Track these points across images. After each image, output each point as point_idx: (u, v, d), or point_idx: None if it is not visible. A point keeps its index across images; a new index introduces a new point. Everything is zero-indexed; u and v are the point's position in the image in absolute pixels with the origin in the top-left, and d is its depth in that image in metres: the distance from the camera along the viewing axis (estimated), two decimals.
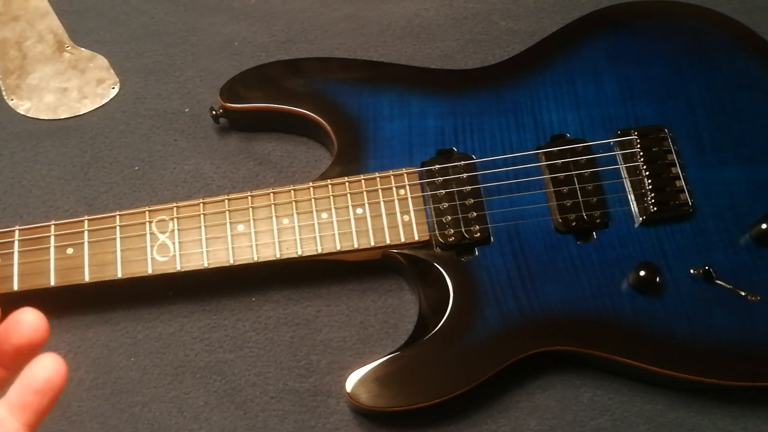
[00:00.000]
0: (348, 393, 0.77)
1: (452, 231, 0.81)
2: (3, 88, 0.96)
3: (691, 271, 0.81)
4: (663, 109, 0.88)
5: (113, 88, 0.97)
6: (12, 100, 0.96)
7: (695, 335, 0.79)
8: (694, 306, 0.80)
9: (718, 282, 0.80)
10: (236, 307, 0.86)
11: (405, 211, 0.81)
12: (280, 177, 0.92)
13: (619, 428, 0.82)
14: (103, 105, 0.96)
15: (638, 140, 0.85)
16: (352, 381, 0.77)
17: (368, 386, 0.77)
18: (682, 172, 0.84)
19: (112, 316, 0.86)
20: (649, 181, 0.83)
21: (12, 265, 0.78)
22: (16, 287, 0.78)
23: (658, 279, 0.79)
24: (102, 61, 0.98)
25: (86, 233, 0.79)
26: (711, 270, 0.80)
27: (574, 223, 0.82)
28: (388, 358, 0.78)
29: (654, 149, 0.84)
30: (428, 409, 0.77)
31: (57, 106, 0.95)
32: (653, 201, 0.82)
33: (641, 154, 0.84)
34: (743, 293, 0.79)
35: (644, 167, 0.84)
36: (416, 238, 0.80)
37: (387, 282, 0.88)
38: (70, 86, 0.96)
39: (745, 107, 0.88)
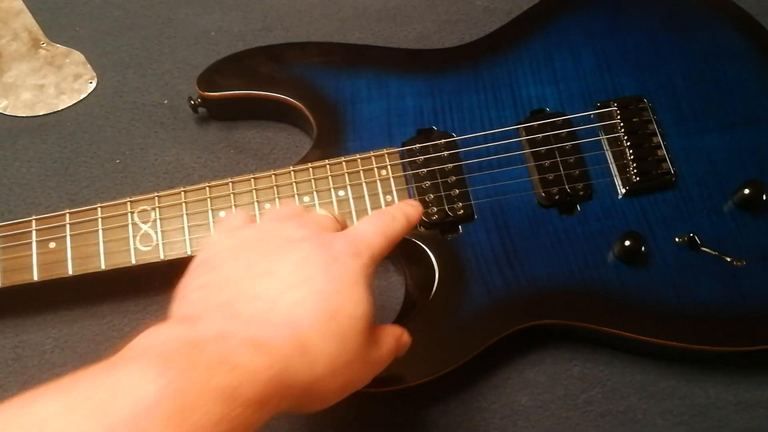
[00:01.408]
0: None
1: (435, 209, 0.81)
2: None
3: (676, 239, 0.80)
4: (642, 79, 0.88)
5: (91, 82, 0.96)
6: None
7: (683, 303, 0.79)
8: (680, 274, 0.80)
9: (704, 249, 0.80)
10: None
11: (387, 192, 0.81)
12: (261, 164, 0.92)
13: (611, 400, 0.82)
14: (81, 100, 0.95)
15: (618, 111, 0.85)
16: None
17: None
18: (663, 141, 0.84)
19: (99, 310, 0.85)
20: (631, 151, 0.83)
21: None
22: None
23: (643, 249, 0.79)
24: (78, 56, 0.98)
25: (68, 227, 0.79)
26: (696, 237, 0.80)
27: (557, 197, 0.81)
28: None
29: (634, 120, 0.84)
30: (418, 388, 0.77)
31: (34, 103, 0.95)
32: (635, 171, 0.82)
33: (622, 125, 0.84)
34: (729, 259, 0.79)
35: (625, 138, 0.84)
36: None
37: None
38: (47, 83, 0.96)
39: (723, 74, 0.88)
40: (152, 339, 0.51)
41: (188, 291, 0.58)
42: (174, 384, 0.45)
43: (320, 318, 0.54)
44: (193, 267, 0.61)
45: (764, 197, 0.81)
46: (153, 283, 0.86)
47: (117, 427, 0.43)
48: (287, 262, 0.56)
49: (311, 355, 0.53)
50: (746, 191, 0.81)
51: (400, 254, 0.82)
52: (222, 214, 0.80)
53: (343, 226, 0.66)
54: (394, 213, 0.65)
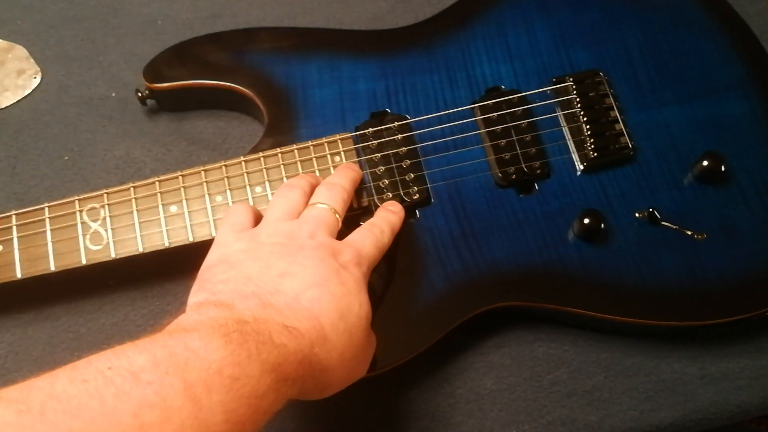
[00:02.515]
0: None
1: (390, 195, 0.79)
2: None
3: (636, 214, 0.80)
4: (598, 53, 0.86)
5: (35, 78, 0.93)
6: None
7: (644, 279, 0.78)
8: (641, 250, 0.79)
9: (664, 223, 0.79)
10: (179, 291, 0.84)
11: None
12: (214, 155, 0.89)
13: (577, 379, 0.81)
14: (26, 96, 0.92)
15: (574, 86, 0.83)
16: None
17: None
18: (620, 116, 0.83)
19: (52, 312, 0.83)
20: (588, 126, 0.82)
21: None
22: None
23: (602, 225, 0.78)
24: (21, 51, 0.95)
25: (15, 228, 0.76)
26: (656, 212, 0.79)
27: (514, 176, 0.80)
28: None
29: (591, 94, 0.83)
30: (381, 377, 0.75)
31: None
32: (593, 147, 0.81)
33: (578, 100, 0.83)
34: (689, 233, 0.79)
35: (582, 113, 0.82)
36: (355, 205, 0.78)
37: None
38: None
39: (680, 46, 0.87)
40: (201, 316, 0.57)
41: (212, 284, 0.64)
42: (235, 354, 0.52)
43: (334, 315, 0.62)
44: (209, 264, 0.68)
45: (723, 168, 0.80)
46: (107, 282, 0.84)
47: (194, 385, 0.49)
48: (302, 266, 0.64)
49: (328, 345, 0.61)
50: (705, 163, 0.80)
51: None
52: (173, 209, 0.77)
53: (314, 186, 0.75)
54: (382, 226, 0.74)
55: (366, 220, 0.79)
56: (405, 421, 0.79)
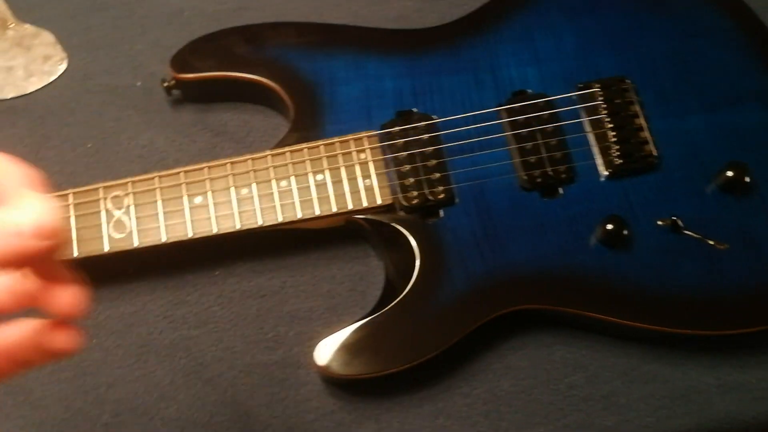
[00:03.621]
0: (318, 362, 0.75)
1: (415, 193, 0.79)
2: None
3: (659, 222, 0.80)
4: (624, 60, 0.86)
5: (61, 64, 0.94)
6: None
7: (665, 287, 0.78)
8: (662, 257, 0.79)
9: (686, 232, 0.79)
10: (199, 282, 0.84)
11: (366, 176, 0.80)
12: (238, 148, 0.90)
13: (593, 384, 0.81)
14: (51, 82, 0.93)
15: (601, 92, 0.83)
16: (321, 350, 0.76)
17: (338, 354, 0.75)
18: (646, 123, 0.83)
19: None
20: (614, 133, 0.82)
21: None
22: None
23: (625, 232, 0.78)
24: (48, 36, 0.95)
25: None
26: (678, 220, 0.79)
27: (538, 180, 0.80)
28: (357, 326, 0.76)
29: (617, 101, 0.83)
30: (400, 374, 0.76)
31: (3, 85, 0.92)
32: (618, 153, 0.81)
33: (604, 106, 0.83)
34: (711, 242, 0.79)
35: (608, 119, 0.82)
36: (379, 202, 0.79)
37: (352, 249, 0.86)
38: (15, 64, 0.93)
39: (706, 55, 0.87)
40: None
41: None
42: None
43: None
44: None
45: (746, 179, 0.80)
46: (127, 270, 0.84)
47: None
48: None
49: None
50: (729, 173, 0.80)
51: (380, 239, 0.81)
52: (198, 200, 0.78)
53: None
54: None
55: (388, 217, 0.79)
56: (421, 418, 0.79)
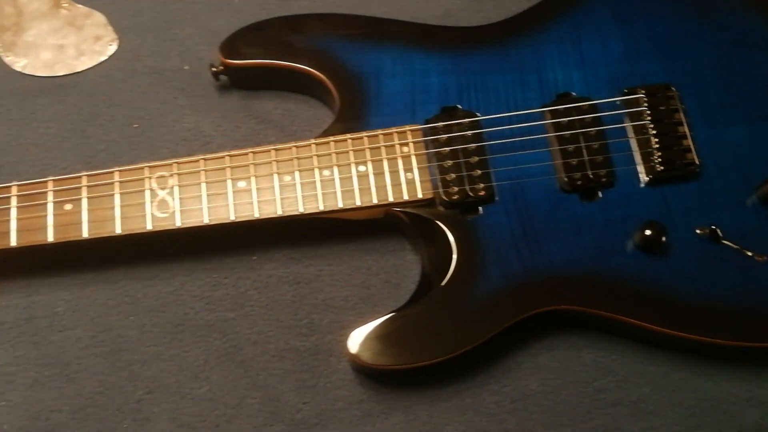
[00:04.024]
0: (350, 351, 0.76)
1: (456, 189, 0.80)
2: None
3: (697, 231, 0.80)
4: (670, 67, 0.86)
5: (111, 45, 0.95)
6: (8, 57, 0.94)
7: (700, 295, 0.78)
8: (699, 266, 0.79)
9: (725, 242, 0.79)
10: (237, 266, 0.85)
11: (408, 169, 0.80)
12: (281, 136, 0.91)
13: (622, 389, 0.81)
14: (101, 62, 0.94)
15: (645, 99, 0.83)
16: (354, 339, 0.76)
17: (370, 345, 0.76)
18: (689, 131, 0.83)
19: (111, 274, 0.84)
20: (656, 140, 0.82)
21: (9, 220, 0.77)
22: (14, 243, 0.77)
23: (663, 238, 0.78)
24: (99, 17, 0.97)
25: (84, 189, 0.78)
26: (717, 230, 0.79)
27: (579, 182, 0.81)
28: (391, 317, 0.77)
29: (661, 108, 0.83)
30: (430, 368, 0.76)
31: (54, 63, 0.94)
32: (660, 160, 0.81)
33: (648, 112, 0.83)
34: (750, 253, 0.79)
35: (651, 126, 0.82)
36: (420, 195, 0.79)
37: (389, 241, 0.87)
38: (67, 43, 0.95)
39: (753, 66, 0.87)
40: None
41: None
42: None
43: None
44: None
45: None
46: (166, 250, 0.85)
47: None
48: None
49: None
50: None
51: (418, 233, 0.82)
52: (241, 184, 0.79)
53: None
54: None
55: (428, 212, 0.80)
56: (449, 412, 0.80)
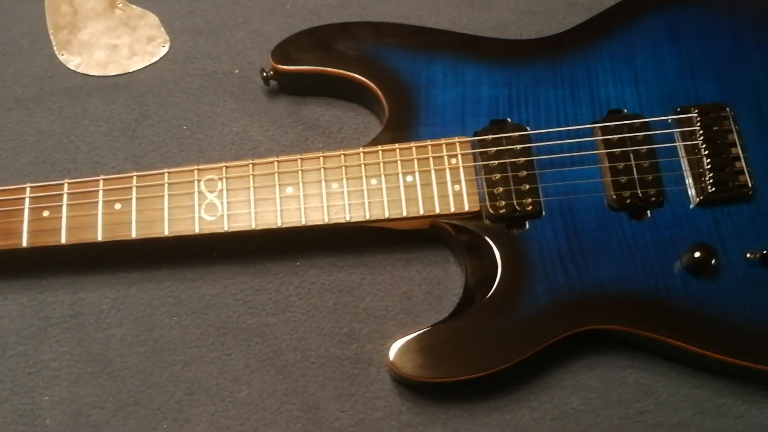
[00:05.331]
0: (391, 361, 0.76)
1: (503, 203, 0.79)
2: (54, 43, 0.96)
3: (748, 255, 0.78)
4: (725, 86, 0.85)
5: (163, 46, 0.96)
6: (63, 55, 0.95)
7: (749, 320, 0.77)
8: (749, 290, 0.77)
9: None
10: (280, 271, 0.86)
11: (456, 181, 0.80)
12: (328, 142, 0.91)
13: (664, 412, 0.80)
14: (153, 63, 0.95)
15: (698, 118, 0.82)
16: (395, 350, 0.76)
17: (411, 356, 0.76)
18: (743, 153, 0.81)
19: (157, 275, 0.85)
20: (708, 160, 0.81)
21: (60, 218, 0.78)
22: (63, 240, 0.78)
23: (712, 261, 0.77)
24: (153, 18, 0.98)
25: (134, 189, 0.79)
26: None
27: (628, 201, 0.80)
28: (433, 329, 0.77)
29: (714, 128, 0.82)
30: (470, 382, 0.76)
31: (107, 62, 0.95)
32: (711, 181, 0.80)
33: (701, 132, 0.82)
34: None
35: (703, 146, 0.81)
36: (466, 208, 0.79)
37: (432, 253, 0.86)
38: (120, 43, 0.96)
39: None
40: None
41: None
42: None
43: None
44: None
45: None
46: (211, 253, 0.86)
47: None
48: None
49: None
50: None
51: (463, 245, 0.81)
52: (289, 190, 0.79)
53: None
54: None
55: (474, 225, 0.80)
56: (488, 427, 0.79)
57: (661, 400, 0.81)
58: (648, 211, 0.80)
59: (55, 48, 0.96)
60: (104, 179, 0.79)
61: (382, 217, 0.79)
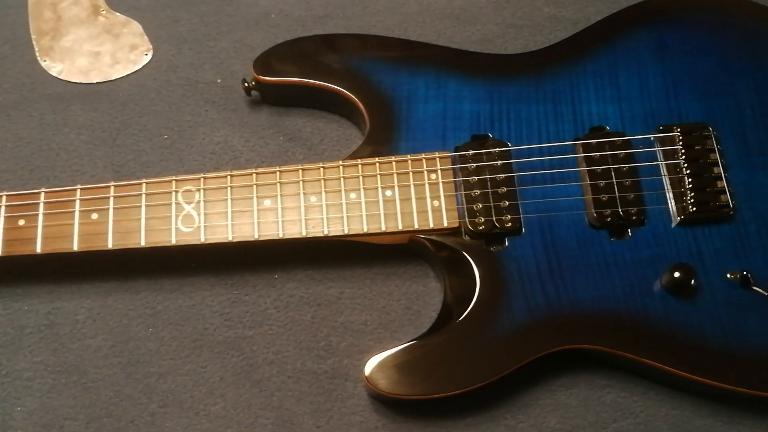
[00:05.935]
0: (366, 377, 0.75)
1: (483, 219, 0.79)
2: (36, 49, 0.95)
3: (728, 275, 0.78)
4: (708, 106, 0.85)
5: (146, 54, 0.95)
6: (45, 61, 0.95)
7: (728, 342, 0.76)
8: (728, 311, 0.77)
9: (756, 288, 0.77)
10: (258, 284, 0.85)
11: (435, 196, 0.79)
12: (309, 154, 0.90)
13: None
14: (135, 71, 0.95)
15: (680, 137, 0.82)
16: (371, 365, 0.76)
17: (387, 372, 0.75)
18: (724, 173, 0.81)
19: (133, 285, 0.85)
20: (690, 180, 0.80)
21: (36, 227, 0.77)
22: (39, 250, 0.77)
23: (693, 281, 0.76)
24: (136, 27, 0.97)
25: (112, 199, 0.78)
26: (749, 275, 0.77)
27: (609, 219, 0.79)
28: (410, 345, 0.76)
29: (696, 147, 0.82)
30: (447, 400, 0.75)
31: (89, 69, 0.94)
32: (693, 201, 0.79)
33: (683, 151, 0.81)
34: None
35: (685, 165, 0.81)
36: (445, 224, 0.79)
37: (412, 268, 0.86)
38: (103, 50, 0.95)
39: None
40: None
41: None
42: None
43: None
44: None
45: None
46: (189, 264, 0.85)
47: None
48: None
49: None
50: None
51: (442, 261, 0.81)
52: (267, 202, 0.78)
53: None
54: None
55: (453, 241, 0.79)
56: None
57: (639, 420, 0.80)
58: (629, 230, 0.80)
59: (37, 54, 0.95)
60: (81, 189, 0.79)
61: (361, 232, 0.78)
